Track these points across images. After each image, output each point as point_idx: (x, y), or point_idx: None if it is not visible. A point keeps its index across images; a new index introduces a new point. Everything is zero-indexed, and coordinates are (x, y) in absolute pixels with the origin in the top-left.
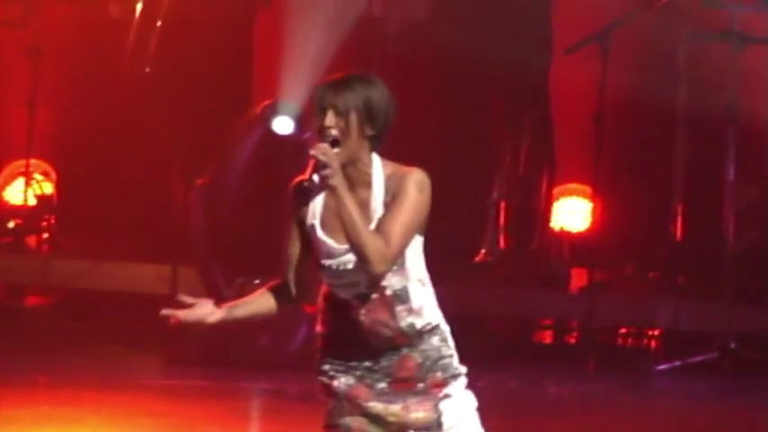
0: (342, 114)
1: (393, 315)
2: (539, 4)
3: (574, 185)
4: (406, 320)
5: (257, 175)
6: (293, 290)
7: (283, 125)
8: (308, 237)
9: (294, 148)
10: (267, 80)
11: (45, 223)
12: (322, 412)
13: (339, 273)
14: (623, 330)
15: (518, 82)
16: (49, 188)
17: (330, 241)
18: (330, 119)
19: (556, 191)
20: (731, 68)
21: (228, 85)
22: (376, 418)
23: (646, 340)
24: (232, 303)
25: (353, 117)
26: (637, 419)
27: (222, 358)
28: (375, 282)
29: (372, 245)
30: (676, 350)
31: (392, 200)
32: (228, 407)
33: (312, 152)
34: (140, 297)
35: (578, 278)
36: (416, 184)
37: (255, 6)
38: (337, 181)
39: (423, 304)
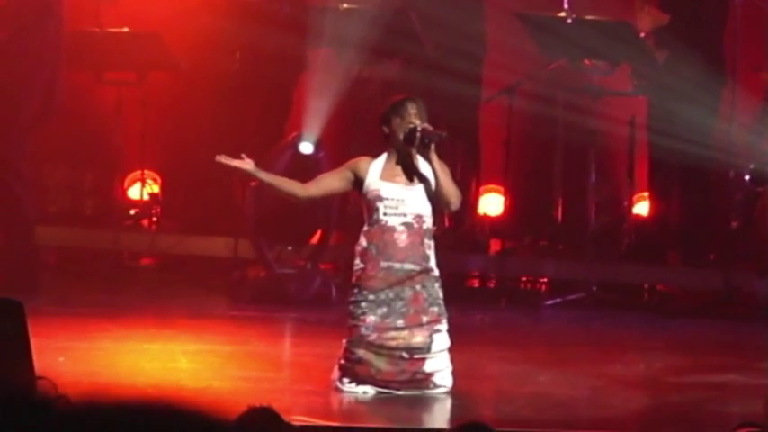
0: (422, 118)
1: (422, 242)
2: (473, 71)
3: (492, 185)
4: (428, 251)
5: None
6: (307, 195)
7: (306, 148)
8: (352, 183)
9: (312, 163)
10: (297, 118)
11: (153, 211)
12: (329, 333)
13: (395, 205)
14: (524, 278)
15: (458, 121)
16: (156, 188)
17: (391, 185)
18: (417, 119)
19: (481, 189)
20: (591, 111)
21: (274, 121)
22: (383, 348)
23: (538, 285)
24: (264, 172)
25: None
26: (532, 336)
27: (265, 298)
28: (418, 214)
29: (456, 190)
30: (557, 291)
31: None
32: (269, 329)
33: (428, 128)
34: (213, 258)
35: (495, 245)
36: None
37: (299, 70)
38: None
39: (433, 249)
